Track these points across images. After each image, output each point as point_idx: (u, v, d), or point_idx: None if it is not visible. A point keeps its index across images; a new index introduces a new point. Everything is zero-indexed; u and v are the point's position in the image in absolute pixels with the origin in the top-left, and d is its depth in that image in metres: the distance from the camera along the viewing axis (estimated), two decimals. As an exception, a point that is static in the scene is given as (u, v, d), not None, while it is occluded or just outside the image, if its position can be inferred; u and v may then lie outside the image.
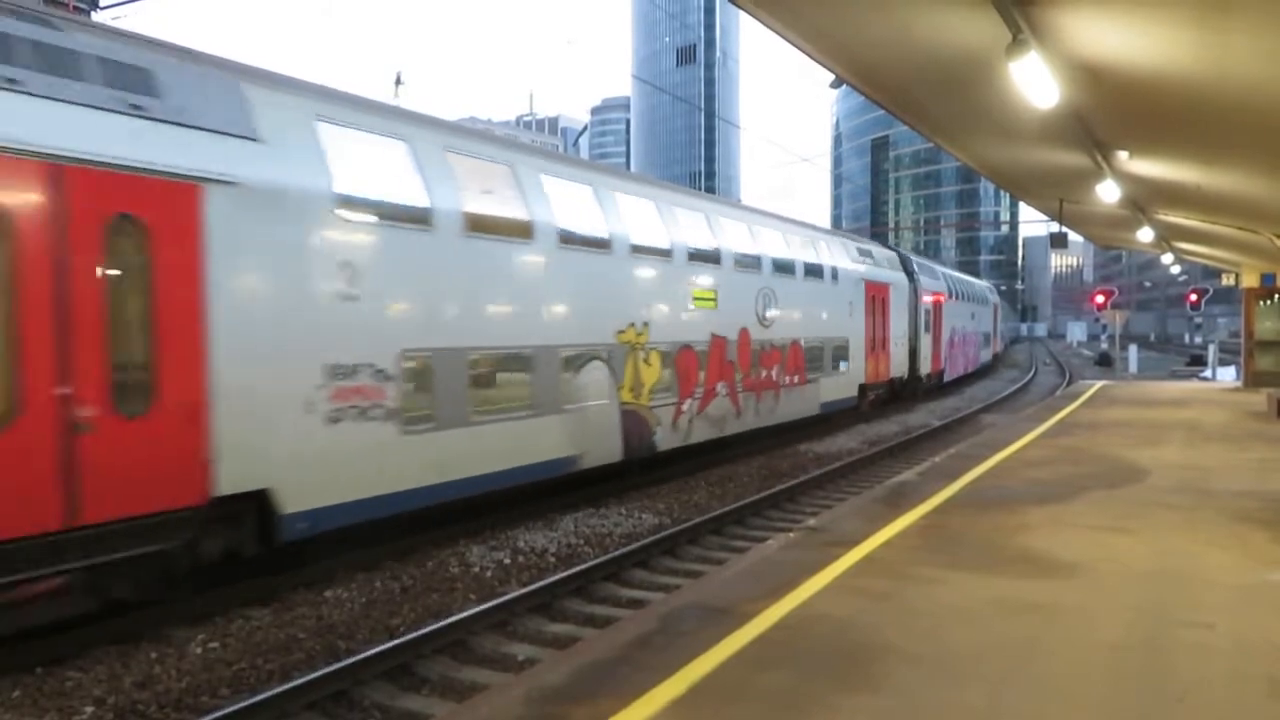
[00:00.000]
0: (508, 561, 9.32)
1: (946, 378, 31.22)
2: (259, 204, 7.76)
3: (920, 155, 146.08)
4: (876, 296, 23.02)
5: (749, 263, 16.35)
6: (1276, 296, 23.44)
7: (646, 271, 13.34)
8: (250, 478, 7.60)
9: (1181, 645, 4.87)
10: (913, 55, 8.31)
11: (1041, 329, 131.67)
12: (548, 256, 11.23)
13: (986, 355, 42.24)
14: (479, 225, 10.16)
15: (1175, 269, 41.95)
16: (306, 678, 6.11)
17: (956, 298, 32.96)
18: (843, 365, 20.68)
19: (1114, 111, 9.55)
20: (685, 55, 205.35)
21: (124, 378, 6.81)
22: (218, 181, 7.45)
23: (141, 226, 6.96)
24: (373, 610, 7.82)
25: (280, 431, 7.85)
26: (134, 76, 7.22)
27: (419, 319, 9.33)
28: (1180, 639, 4.96)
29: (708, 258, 14.99)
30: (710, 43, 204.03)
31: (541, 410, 11.04)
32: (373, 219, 8.90)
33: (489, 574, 8.92)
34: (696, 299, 14.63)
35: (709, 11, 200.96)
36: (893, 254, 26.90)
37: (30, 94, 6.45)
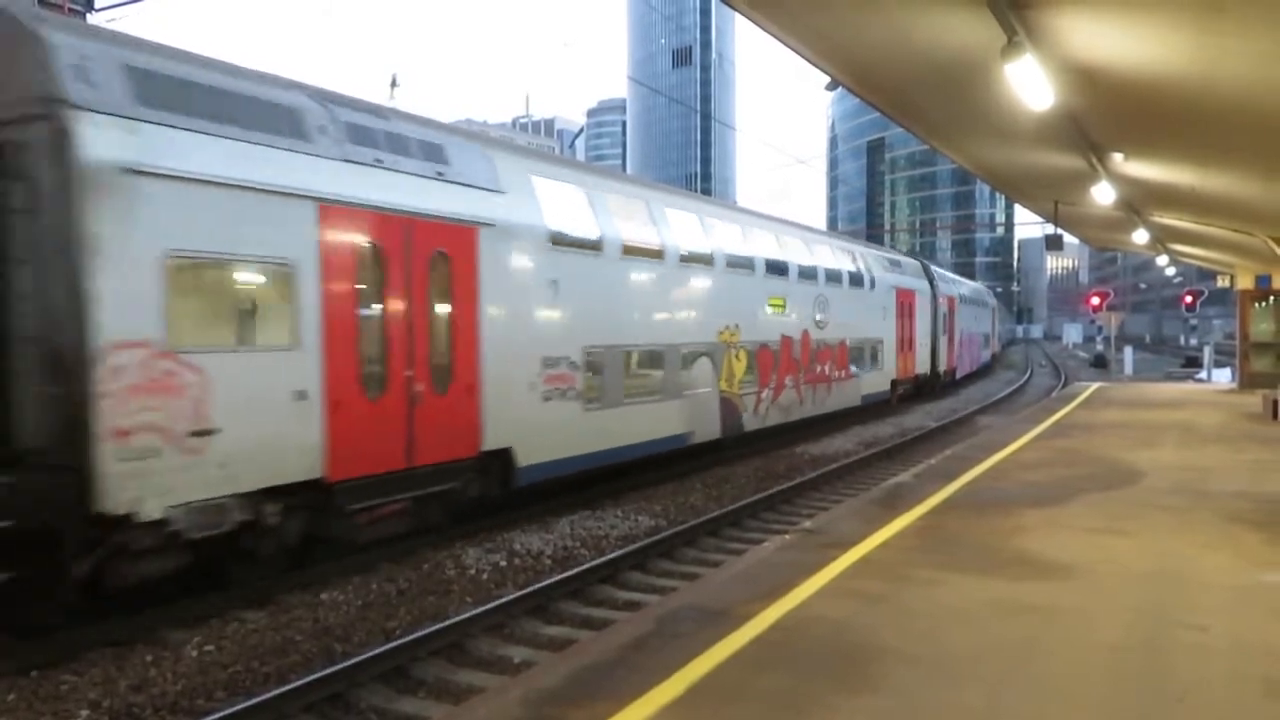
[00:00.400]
0: (504, 564, 9.31)
1: (958, 375, 33.79)
2: (505, 240, 10.59)
3: (916, 157, 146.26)
4: (905, 302, 25.74)
5: (808, 274, 19.17)
6: (1271, 298, 23.50)
7: (737, 282, 16.15)
8: (501, 438, 10.38)
9: (1178, 646, 4.88)
10: (908, 57, 8.33)
11: (1037, 331, 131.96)
12: (672, 272, 14.09)
13: (987, 355, 44.77)
14: (629, 250, 13.06)
15: (1170, 271, 42.06)
16: (303, 680, 6.10)
17: (964, 302, 35.62)
18: (879, 363, 23.42)
19: (1109, 114, 9.58)
20: (681, 57, 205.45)
21: (437, 366, 9.58)
22: (485, 224, 10.28)
23: (447, 259, 9.79)
24: (369, 613, 7.80)
25: (516, 406, 10.67)
26: (436, 152, 9.95)
27: (593, 322, 12.10)
28: (1177, 640, 4.97)
29: (778, 270, 17.78)
30: (706, 45, 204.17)
31: (668, 396, 13.89)
32: (567, 247, 11.69)
33: (485, 576, 8.91)
34: (771, 305, 17.44)
35: (705, 14, 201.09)
36: (916, 263, 29.84)
37: (390, 170, 9.19)
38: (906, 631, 5.10)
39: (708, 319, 15.02)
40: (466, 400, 9.94)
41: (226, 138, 7.73)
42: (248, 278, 8.02)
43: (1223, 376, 31.64)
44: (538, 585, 8.26)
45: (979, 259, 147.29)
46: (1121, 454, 11.88)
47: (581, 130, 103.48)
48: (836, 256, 21.42)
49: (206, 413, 7.35)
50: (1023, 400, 29.57)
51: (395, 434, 9.01)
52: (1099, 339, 52.95)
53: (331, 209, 8.48)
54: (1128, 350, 43.36)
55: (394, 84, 50.49)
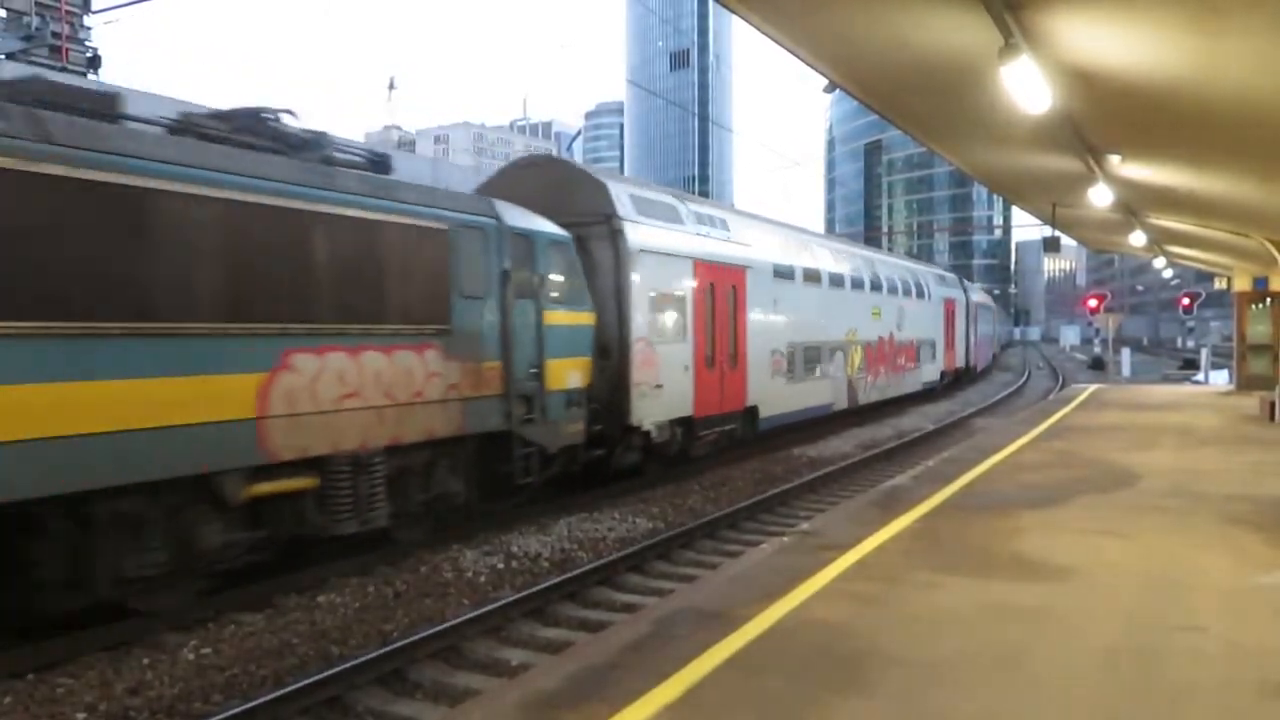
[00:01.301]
0: (501, 566, 9.30)
1: (978, 369, 40.54)
2: (755, 275, 16.57)
3: (913, 159, 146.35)
4: (949, 310, 32.18)
5: (892, 289, 25.27)
6: (1268, 300, 23.52)
7: (855, 298, 22.19)
8: (754, 399, 16.35)
9: (1175, 649, 4.88)
10: (905, 60, 8.33)
11: (1035, 333, 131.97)
12: (824, 291, 20.19)
13: (989, 354, 49.85)
14: (806, 276, 19.15)
15: (1168, 273, 42.10)
16: (300, 683, 6.08)
17: (982, 308, 42.59)
18: (934, 358, 29.57)
19: (1106, 116, 9.59)
20: (679, 60, 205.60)
21: (730, 353, 15.47)
22: (747, 266, 16.30)
23: (733, 289, 15.66)
24: (366, 615, 7.79)
25: (760, 379, 16.59)
26: (725, 223, 16.20)
27: (790, 326, 18.01)
28: (1173, 643, 4.97)
29: (876, 288, 23.88)
30: (703, 47, 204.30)
31: (823, 376, 19.89)
32: (779, 278, 17.61)
33: (482, 579, 8.90)
34: (872, 314, 23.38)
35: (702, 16, 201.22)
36: (954, 277, 37.78)
37: (712, 237, 15.26)
38: (903, 634, 5.10)
39: (841, 324, 21.01)
40: (741, 374, 15.98)
41: (663, 228, 13.96)
42: (671, 303, 13.89)
43: (1220, 378, 31.66)
44: (535, 588, 8.25)
45: (977, 261, 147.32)
46: (1119, 456, 11.88)
47: (579, 133, 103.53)
48: (906, 276, 27.66)
49: (660, 375, 13.42)
50: (1020, 402, 29.57)
51: (716, 391, 15.06)
52: (1096, 341, 53.06)
53: (697, 263, 14.61)
54: (1125, 352, 43.39)
55: (391, 86, 50.45)
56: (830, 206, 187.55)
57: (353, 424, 8.53)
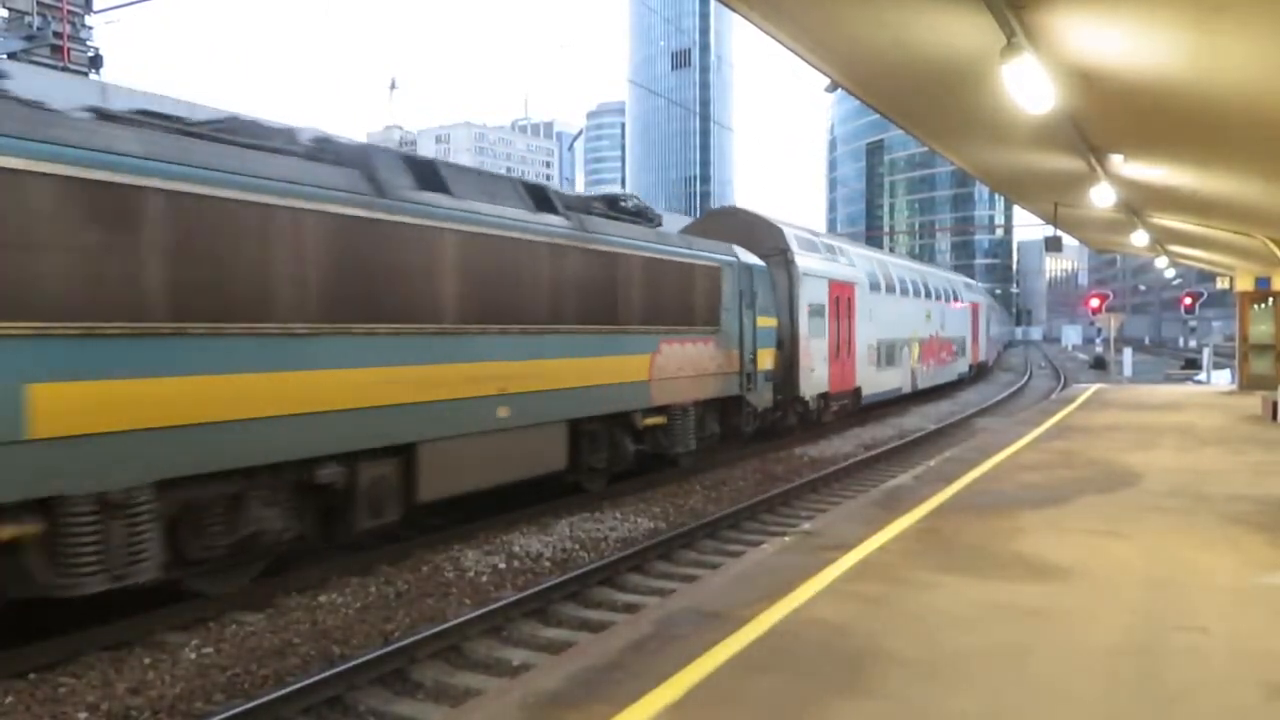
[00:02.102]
0: (503, 566, 9.30)
1: (989, 364, 46.36)
2: (861, 289, 22.21)
3: (915, 159, 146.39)
4: (974, 312, 38.35)
5: (937, 295, 31.11)
6: (1270, 300, 23.50)
7: (914, 304, 27.77)
8: (859, 381, 21.88)
9: (1176, 649, 4.87)
10: (907, 59, 8.32)
11: (1037, 333, 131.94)
12: (896, 298, 25.68)
13: (997, 351, 56.32)
14: (886, 289, 24.94)
15: (1170, 273, 42.00)
16: (301, 683, 6.08)
17: (993, 309, 49.14)
18: (964, 353, 35.58)
19: (1108, 115, 9.57)
20: (680, 59, 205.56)
21: (847, 346, 21.05)
22: (856, 282, 21.95)
23: (849, 300, 21.33)
24: (367, 615, 7.79)
25: (863, 366, 22.00)
26: (838, 247, 22.89)
27: (878, 327, 23.35)
28: (1175, 643, 4.97)
29: (927, 295, 29.63)
30: (705, 47, 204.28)
31: (897, 366, 25.40)
32: (869, 290, 23.06)
33: (484, 579, 8.90)
34: (926, 316, 29.01)
35: (704, 16, 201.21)
36: (976, 284, 46.80)
37: (835, 262, 21.37)
38: (905, 634, 5.10)
39: (907, 326, 26.52)
40: (852, 363, 21.52)
41: (813, 257, 19.86)
42: (817, 311, 19.42)
43: (1222, 378, 31.64)
44: (537, 587, 8.25)
45: (978, 261, 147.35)
46: (1121, 456, 11.88)
47: (580, 133, 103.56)
48: (946, 284, 33.78)
49: (813, 362, 18.90)
50: (1022, 402, 29.55)
51: (839, 375, 20.66)
52: (1098, 341, 53.01)
53: (830, 282, 20.33)
54: (1127, 352, 43.33)
55: (393, 86, 50.49)
56: (832, 206, 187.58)
57: (683, 385, 13.77)
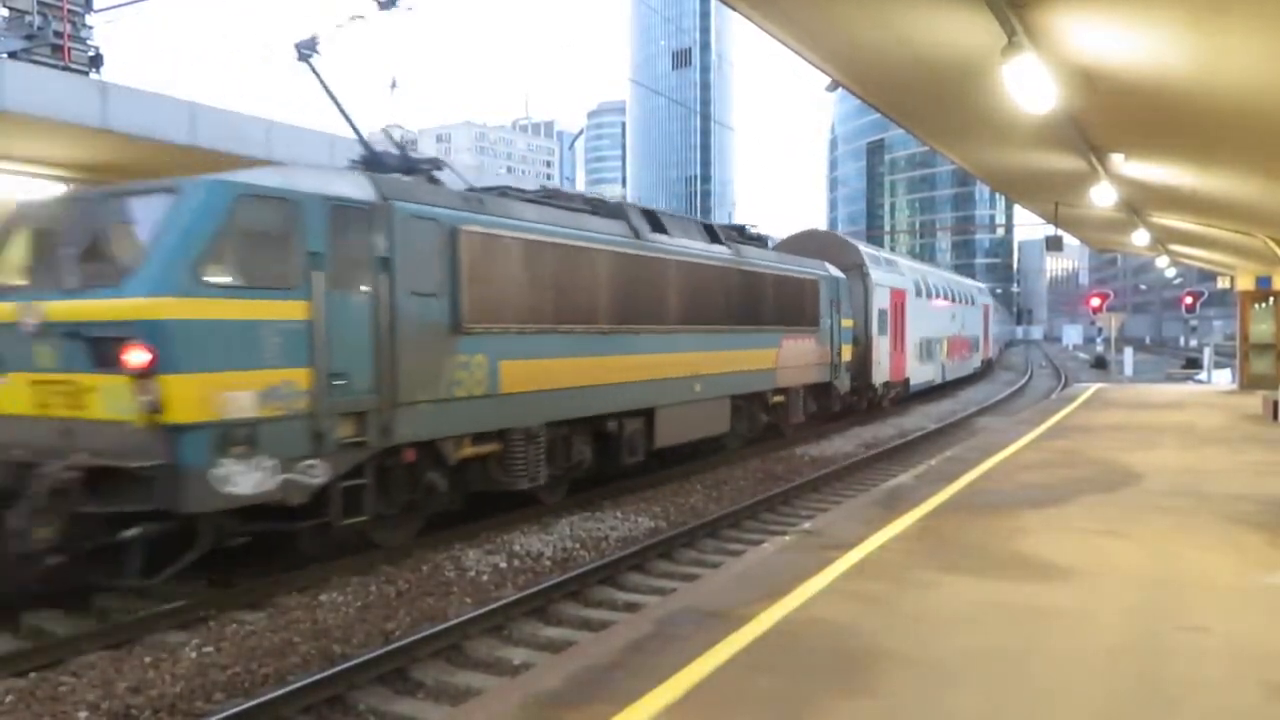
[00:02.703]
0: (503, 565, 9.29)
1: (994, 360, 50.85)
2: (912, 295, 26.84)
3: (915, 158, 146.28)
4: (985, 312, 42.40)
5: (959, 299, 34.91)
6: (1271, 299, 23.49)
7: (945, 307, 31.78)
8: (908, 373, 26.17)
9: (1177, 649, 4.87)
10: (908, 58, 8.31)
11: (1037, 332, 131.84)
12: (931, 303, 29.38)
13: (999, 348, 60.44)
14: (925, 294, 28.64)
15: (1170, 272, 42.02)
16: (301, 682, 6.08)
17: (996, 310, 53.33)
18: (978, 350, 39.83)
19: (1109, 115, 9.57)
20: (681, 59, 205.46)
21: (900, 343, 25.31)
22: (905, 290, 26.23)
23: (901, 305, 25.52)
24: (368, 614, 7.78)
25: (911, 359, 26.41)
26: (894, 260, 28.76)
27: (919, 327, 27.10)
28: (1176, 643, 4.96)
29: (953, 299, 33.63)
30: (706, 46, 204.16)
31: (933, 360, 29.45)
32: (916, 295, 27.23)
33: (484, 578, 8.90)
34: (951, 318, 32.93)
35: (705, 15, 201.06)
36: (984, 287, 51.15)
37: (896, 273, 26.68)
38: (905, 634, 5.09)
39: (939, 326, 30.31)
40: (904, 357, 25.30)
41: (880, 270, 24.28)
42: (882, 314, 23.40)
43: (1223, 378, 31.64)
44: (537, 587, 8.25)
45: (979, 260, 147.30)
46: (1121, 455, 11.87)
47: (581, 132, 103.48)
48: (964, 290, 38.09)
49: (880, 356, 23.35)
50: (1022, 402, 29.55)
51: (895, 366, 24.33)
52: (1099, 340, 53.00)
53: (891, 290, 24.42)
54: (1128, 351, 43.32)
55: (393, 85, 50.58)
56: (832, 205, 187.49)
57: (795, 372, 17.71)
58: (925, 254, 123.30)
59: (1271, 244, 18.33)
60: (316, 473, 7.91)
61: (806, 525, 8.28)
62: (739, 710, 4.14)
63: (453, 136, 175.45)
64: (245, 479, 7.36)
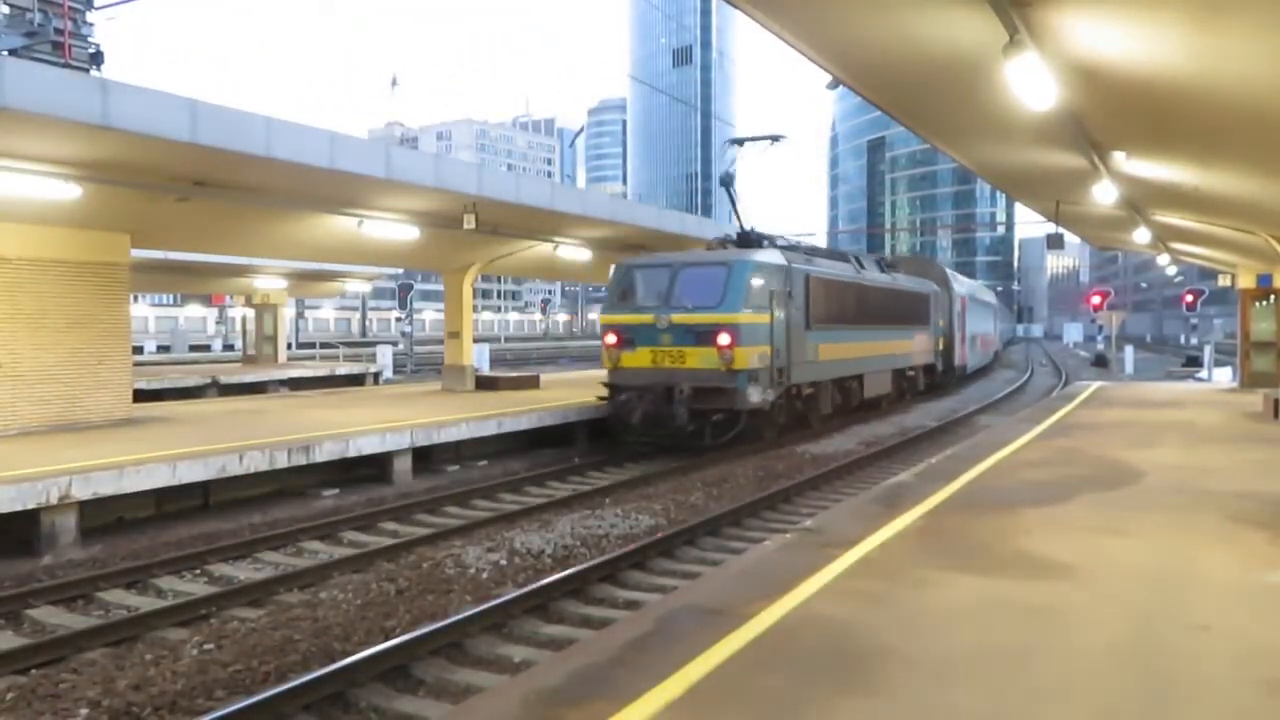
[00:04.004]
0: (504, 563, 9.29)
1: (1000, 350, 58.59)
2: (966, 300, 35.14)
3: (916, 156, 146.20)
4: (994, 312, 48.40)
5: (980, 301, 40.31)
6: (1272, 297, 23.48)
7: (974, 307, 37.05)
8: (964, 359, 34.07)
9: (1179, 647, 4.86)
10: (909, 56, 8.30)
11: (1038, 330, 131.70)
12: (969, 306, 35.12)
13: (1000, 344, 65.83)
14: (967, 299, 35.37)
15: (1171, 270, 42.04)
16: (302, 679, 6.08)
17: (994, 306, 60.46)
18: (990, 344, 45.15)
19: (1111, 112, 9.55)
20: (681, 56, 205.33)
21: (959, 336, 33.08)
22: (962, 296, 34.15)
23: (962, 307, 33.65)
24: (368, 612, 7.79)
25: (964, 347, 33.86)
26: (952, 278, 33.56)
27: (968, 325, 34.72)
28: (1178, 641, 4.96)
29: (977, 301, 38.69)
30: (706, 44, 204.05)
31: (975, 350, 37.09)
32: (968, 299, 35.71)
33: (485, 575, 8.90)
34: (981, 318, 38.48)
35: (705, 12, 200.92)
36: (988, 288, 60.74)
37: (958, 284, 34.58)
38: (907, 632, 5.09)
39: (976, 324, 36.75)
40: (964, 347, 33.44)
41: (956, 284, 33.58)
42: (959, 316, 32.80)
43: (1224, 376, 31.62)
44: (538, 584, 8.24)
45: (980, 258, 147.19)
46: (1122, 453, 11.87)
47: (582, 130, 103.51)
48: (980, 293, 44.49)
49: (957, 346, 32.75)
50: (1023, 400, 29.54)
51: (961, 355, 32.83)
52: (1100, 338, 53.04)
53: (960, 297, 33.37)
54: (1128, 349, 43.34)
55: (394, 83, 50.56)
56: (833, 203, 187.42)
57: (920, 356, 26.91)
58: (926, 252, 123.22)
59: (1273, 242, 18.32)
60: (771, 395, 16.49)
61: (807, 523, 8.27)
62: (740, 708, 4.14)
63: (453, 134, 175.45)
64: (756, 395, 15.88)
